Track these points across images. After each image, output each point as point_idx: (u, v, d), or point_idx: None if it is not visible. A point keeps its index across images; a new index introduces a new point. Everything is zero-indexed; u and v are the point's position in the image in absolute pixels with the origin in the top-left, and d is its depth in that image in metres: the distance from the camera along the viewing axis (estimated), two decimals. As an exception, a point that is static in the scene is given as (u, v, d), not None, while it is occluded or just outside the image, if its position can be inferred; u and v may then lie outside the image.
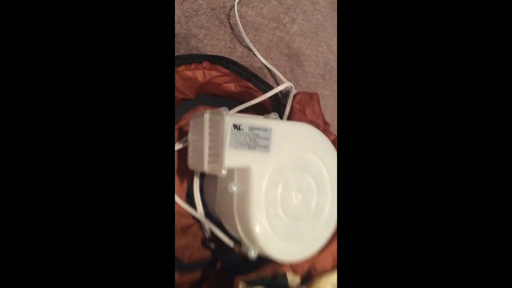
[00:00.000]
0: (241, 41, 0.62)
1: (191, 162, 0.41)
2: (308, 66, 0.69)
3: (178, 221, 0.45)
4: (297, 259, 0.39)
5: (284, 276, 0.39)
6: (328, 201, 0.40)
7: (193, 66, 0.44)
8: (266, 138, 0.37)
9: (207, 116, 0.37)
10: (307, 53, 0.69)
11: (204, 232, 0.47)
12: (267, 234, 0.36)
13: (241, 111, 0.46)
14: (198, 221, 0.47)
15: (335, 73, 0.71)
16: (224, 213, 0.41)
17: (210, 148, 0.37)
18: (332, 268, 0.41)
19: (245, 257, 0.41)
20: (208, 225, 0.44)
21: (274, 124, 0.37)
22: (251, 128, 0.36)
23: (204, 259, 0.47)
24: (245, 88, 0.47)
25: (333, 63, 0.71)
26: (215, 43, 0.61)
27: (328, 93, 0.69)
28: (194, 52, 0.59)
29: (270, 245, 0.37)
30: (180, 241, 0.45)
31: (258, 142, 0.36)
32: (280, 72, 0.61)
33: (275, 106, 0.49)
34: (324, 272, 0.40)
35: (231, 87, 0.47)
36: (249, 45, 0.61)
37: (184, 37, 0.58)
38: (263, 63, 0.61)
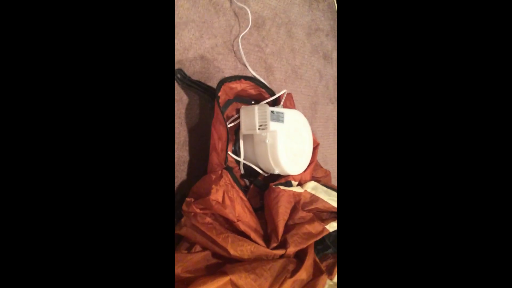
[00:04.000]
0: (239, 60, 1.02)
1: (244, 130, 0.81)
2: (276, 74, 1.12)
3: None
4: (296, 173, 0.83)
5: (290, 182, 0.82)
6: (308, 147, 0.85)
7: (236, 81, 0.84)
8: (282, 117, 0.79)
9: (256, 107, 0.77)
10: (275, 66, 1.12)
11: (241, 170, 0.88)
12: (286, 162, 0.79)
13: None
14: (238, 164, 0.88)
15: (294, 77, 1.15)
16: (260, 155, 0.82)
17: (259, 122, 0.77)
18: (310, 179, 0.86)
19: (267, 178, 0.84)
20: (247, 163, 0.85)
21: (284, 110, 0.80)
22: (277, 112, 0.78)
23: (243, 185, 0.88)
24: (259, 92, 0.89)
25: (290, 72, 1.15)
26: (226, 63, 1.00)
27: (289, 91, 1.13)
28: (216, 69, 0.97)
29: (287, 167, 0.80)
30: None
31: (279, 118, 0.78)
32: (263, 80, 1.03)
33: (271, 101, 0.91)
34: (306, 181, 0.85)
35: (252, 91, 0.88)
36: (245, 63, 1.01)
37: (211, 59, 0.96)
38: (253, 75, 1.02)
